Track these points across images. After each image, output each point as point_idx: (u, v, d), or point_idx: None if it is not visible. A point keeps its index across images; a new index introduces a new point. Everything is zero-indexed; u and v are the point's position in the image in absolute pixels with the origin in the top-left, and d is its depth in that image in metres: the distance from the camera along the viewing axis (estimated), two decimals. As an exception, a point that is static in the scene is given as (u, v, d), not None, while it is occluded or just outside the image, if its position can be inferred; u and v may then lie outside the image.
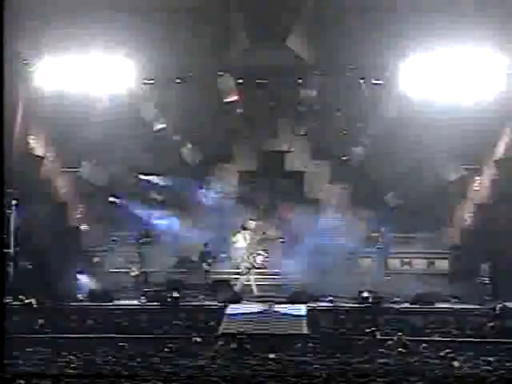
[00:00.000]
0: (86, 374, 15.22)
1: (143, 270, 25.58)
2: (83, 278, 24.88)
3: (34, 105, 26.33)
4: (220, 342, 18.08)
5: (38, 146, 27.22)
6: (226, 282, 24.77)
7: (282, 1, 26.03)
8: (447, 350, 17.29)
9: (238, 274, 25.46)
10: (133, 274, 24.87)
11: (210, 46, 26.40)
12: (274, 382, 14.72)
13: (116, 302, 22.79)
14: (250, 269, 24.92)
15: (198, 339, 18.43)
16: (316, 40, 26.60)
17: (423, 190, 28.28)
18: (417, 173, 28.38)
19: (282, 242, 26.54)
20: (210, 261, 25.71)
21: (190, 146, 28.79)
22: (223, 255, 27.16)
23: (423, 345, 17.92)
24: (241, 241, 27.10)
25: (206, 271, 25.64)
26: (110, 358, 16.74)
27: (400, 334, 18.59)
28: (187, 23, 25.75)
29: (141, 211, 28.28)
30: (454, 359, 16.63)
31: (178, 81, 26.54)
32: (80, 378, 14.87)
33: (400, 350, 17.54)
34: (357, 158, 28.43)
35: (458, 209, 28.46)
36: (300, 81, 27.26)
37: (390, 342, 18.10)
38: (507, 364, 16.36)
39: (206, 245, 26.27)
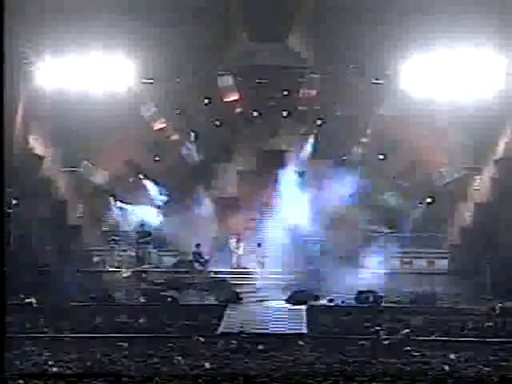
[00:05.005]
0: (86, 374, 15.23)
1: (135, 269, 25.49)
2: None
3: (34, 104, 26.35)
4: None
5: (37, 146, 27.23)
6: (226, 281, 24.78)
7: (281, 1, 26.04)
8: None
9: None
10: (124, 275, 24.82)
11: (210, 45, 26.41)
12: (274, 381, 14.74)
13: (116, 302, 22.76)
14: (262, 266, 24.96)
15: (201, 338, 18.41)
16: (316, 40, 26.61)
17: (423, 189, 28.40)
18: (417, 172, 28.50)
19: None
20: (202, 261, 25.71)
21: (189, 145, 28.83)
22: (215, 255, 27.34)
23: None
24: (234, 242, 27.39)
25: (200, 271, 25.62)
26: (109, 357, 16.75)
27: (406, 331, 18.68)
28: (187, 23, 25.76)
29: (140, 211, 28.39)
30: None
31: (178, 80, 26.57)
32: (80, 378, 14.87)
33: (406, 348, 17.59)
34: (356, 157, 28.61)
35: (457, 208, 28.47)
36: (300, 80, 27.34)
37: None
38: (507, 363, 16.36)
39: (197, 245, 26.27)
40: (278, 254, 26.43)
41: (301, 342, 17.90)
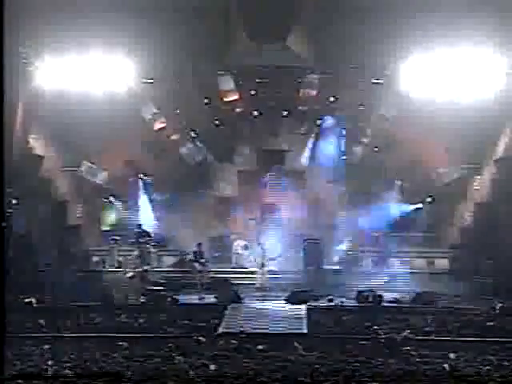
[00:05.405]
0: (86, 374, 15.22)
1: (139, 269, 25.46)
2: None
3: (34, 105, 26.34)
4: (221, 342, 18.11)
5: (37, 146, 27.23)
6: (226, 281, 24.77)
7: (281, 1, 26.05)
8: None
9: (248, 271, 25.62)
10: (128, 275, 24.80)
11: (210, 45, 26.41)
12: (274, 381, 14.74)
13: (116, 302, 22.74)
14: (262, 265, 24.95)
15: (202, 338, 18.39)
16: (316, 40, 26.61)
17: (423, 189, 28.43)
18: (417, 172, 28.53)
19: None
20: (203, 260, 25.74)
21: (189, 145, 28.84)
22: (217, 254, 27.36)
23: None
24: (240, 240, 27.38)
25: (200, 271, 25.61)
26: (109, 357, 16.74)
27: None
28: (187, 23, 25.76)
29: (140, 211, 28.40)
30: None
31: (178, 80, 26.59)
32: (80, 378, 14.87)
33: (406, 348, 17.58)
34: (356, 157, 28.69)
35: (457, 208, 28.47)
36: (300, 80, 27.35)
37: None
38: (507, 363, 16.35)
39: (199, 245, 26.30)
40: (278, 254, 26.44)
41: (296, 344, 17.85)
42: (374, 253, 27.12)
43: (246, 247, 27.32)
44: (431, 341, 18.40)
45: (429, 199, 28.36)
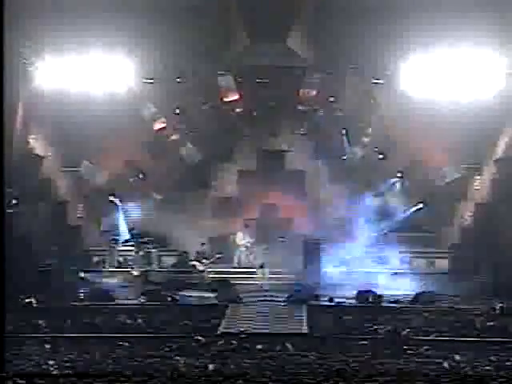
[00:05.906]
0: (86, 373, 15.22)
1: (144, 269, 25.53)
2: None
3: (34, 105, 26.35)
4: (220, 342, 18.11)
5: (37, 146, 27.24)
6: (227, 281, 24.78)
7: (281, 1, 26.05)
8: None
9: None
10: (134, 273, 24.82)
11: (210, 45, 26.42)
12: (274, 381, 14.74)
13: (116, 302, 22.75)
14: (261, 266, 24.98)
15: (202, 338, 18.39)
16: (316, 40, 26.62)
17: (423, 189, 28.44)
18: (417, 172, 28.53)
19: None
20: (204, 261, 25.70)
21: (189, 145, 28.83)
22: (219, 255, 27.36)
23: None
24: (240, 240, 27.36)
25: (201, 271, 25.63)
26: (109, 357, 16.74)
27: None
28: (187, 23, 25.77)
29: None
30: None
31: (178, 80, 26.61)
32: (80, 378, 14.86)
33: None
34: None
35: (457, 208, 28.48)
36: (300, 80, 27.35)
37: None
38: (507, 363, 16.35)
39: (202, 245, 26.24)
40: (278, 254, 26.45)
41: (288, 344, 17.83)
42: (375, 253, 27.11)
43: (247, 234, 27.35)
44: (431, 341, 18.39)
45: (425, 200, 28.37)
